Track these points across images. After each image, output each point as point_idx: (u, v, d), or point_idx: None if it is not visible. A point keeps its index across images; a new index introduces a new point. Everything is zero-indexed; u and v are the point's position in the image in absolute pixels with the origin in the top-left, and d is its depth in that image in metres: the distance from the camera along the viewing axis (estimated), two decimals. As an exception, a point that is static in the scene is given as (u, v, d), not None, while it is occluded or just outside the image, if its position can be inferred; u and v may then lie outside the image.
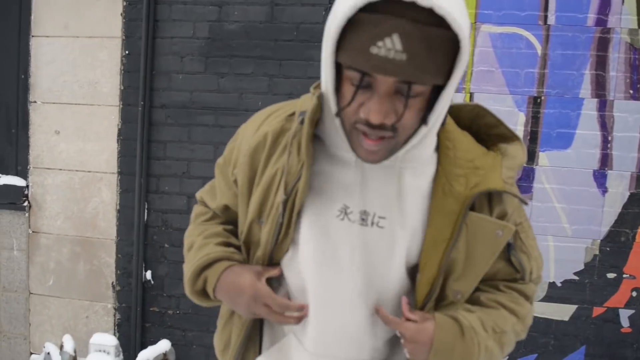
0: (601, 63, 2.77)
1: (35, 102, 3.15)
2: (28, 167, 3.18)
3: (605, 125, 2.79)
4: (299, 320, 0.95)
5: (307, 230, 0.93)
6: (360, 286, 0.94)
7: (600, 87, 2.78)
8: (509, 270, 1.00)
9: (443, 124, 0.90)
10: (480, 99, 2.83)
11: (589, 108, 2.79)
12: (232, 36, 2.97)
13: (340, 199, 0.92)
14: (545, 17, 2.78)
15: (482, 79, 2.83)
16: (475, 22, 2.81)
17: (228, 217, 1.11)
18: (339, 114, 0.83)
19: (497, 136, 0.97)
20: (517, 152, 0.94)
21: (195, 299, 1.07)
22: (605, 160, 2.79)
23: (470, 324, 0.92)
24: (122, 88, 3.07)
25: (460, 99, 2.84)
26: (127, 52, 3.05)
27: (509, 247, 0.95)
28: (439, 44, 0.73)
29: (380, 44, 0.71)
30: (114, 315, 3.16)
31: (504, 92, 2.83)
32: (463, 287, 0.96)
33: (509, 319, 0.98)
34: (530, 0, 2.78)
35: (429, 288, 0.93)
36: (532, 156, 2.83)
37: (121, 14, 3.03)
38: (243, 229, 1.02)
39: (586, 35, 2.76)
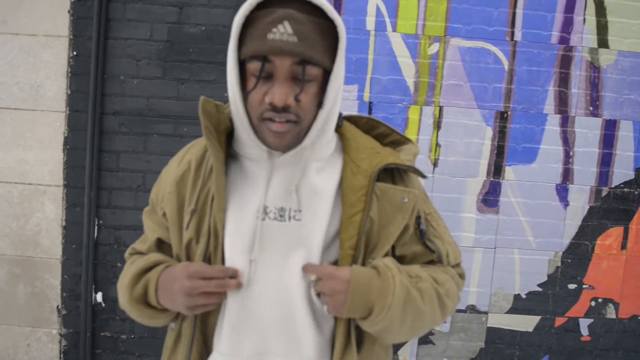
0: (564, 80, 2.76)
1: (-35, 105, 2.73)
2: (-43, 179, 2.75)
3: (567, 141, 2.78)
4: (239, 286, 0.93)
5: (231, 236, 0.94)
6: (293, 278, 0.94)
7: (562, 104, 2.77)
8: (426, 253, 1.03)
9: (339, 125, 1.00)
10: (449, 113, 2.75)
11: (552, 124, 2.77)
12: (194, 40, 2.70)
13: (257, 200, 0.95)
14: (512, 33, 2.73)
15: (452, 92, 2.75)
16: (444, 36, 2.72)
17: (161, 252, 1.08)
18: (245, 99, 0.89)
19: (392, 143, 1.07)
20: (410, 147, 1.05)
21: (132, 309, 1.03)
22: (567, 175, 2.79)
23: (384, 264, 0.94)
24: (69, 92, 2.72)
25: (430, 112, 2.75)
26: (74, 53, 2.70)
27: (421, 233, 1.01)
28: (322, 29, 0.86)
29: (274, 30, 0.82)
30: (60, 342, 2.80)
31: (472, 106, 2.76)
32: (380, 257, 0.98)
33: (426, 277, 0.99)
34: (499, 16, 2.72)
35: (350, 261, 0.94)
36: (498, 170, 2.78)
37: (68, 11, 2.67)
38: (180, 254, 1.01)
39: (550, 53, 2.74)
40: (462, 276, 1.11)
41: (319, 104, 0.91)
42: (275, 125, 0.87)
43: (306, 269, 0.93)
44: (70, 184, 2.74)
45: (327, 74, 0.90)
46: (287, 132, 0.88)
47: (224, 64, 2.66)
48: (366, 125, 1.07)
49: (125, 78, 2.72)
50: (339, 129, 1.02)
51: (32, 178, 2.74)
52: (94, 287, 2.77)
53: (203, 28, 2.69)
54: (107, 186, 2.76)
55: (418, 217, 1.01)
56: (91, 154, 2.70)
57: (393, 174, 1.01)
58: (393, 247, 1.00)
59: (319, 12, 0.86)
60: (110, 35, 2.69)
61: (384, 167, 0.96)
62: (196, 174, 0.99)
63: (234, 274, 0.92)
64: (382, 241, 0.97)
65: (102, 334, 2.80)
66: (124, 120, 2.74)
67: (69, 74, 2.71)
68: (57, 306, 2.78)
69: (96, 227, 2.76)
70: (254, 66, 0.86)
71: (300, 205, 0.94)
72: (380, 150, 1.01)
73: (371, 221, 0.94)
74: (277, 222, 0.94)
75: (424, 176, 1.01)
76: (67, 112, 2.72)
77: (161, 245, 1.08)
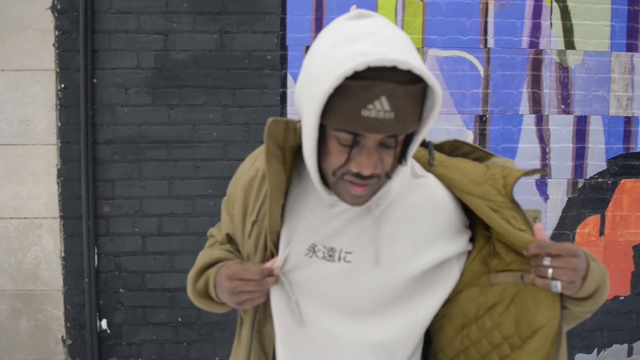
0: (536, 82, 2.80)
1: (-47, 144, 2.61)
2: (-50, 218, 2.63)
3: (543, 138, 2.83)
4: (276, 281, 0.90)
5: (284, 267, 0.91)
6: (341, 320, 0.91)
7: (536, 104, 2.81)
8: None
9: (431, 163, 0.94)
10: (432, 120, 2.76)
11: (528, 123, 2.81)
12: (181, 66, 2.64)
13: (309, 237, 0.90)
14: (485, 40, 2.76)
15: (432, 100, 2.76)
16: (422, 47, 2.73)
17: (233, 245, 1.09)
18: (335, 173, 0.81)
19: (476, 159, 0.97)
20: (499, 159, 0.96)
21: (196, 300, 1.02)
22: (545, 170, 2.84)
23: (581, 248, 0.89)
24: (59, 125, 2.63)
25: (414, 120, 2.75)
26: (62, 85, 2.61)
27: None
28: (416, 97, 0.76)
29: (370, 107, 0.73)
30: (67, 372, 2.70)
31: (453, 112, 2.78)
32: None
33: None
34: (472, 25, 2.75)
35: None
36: (482, 171, 2.80)
37: (53, 45, 2.58)
38: (244, 254, 1.00)
39: (522, 57, 2.78)
40: None
41: (400, 159, 0.84)
42: (357, 189, 0.80)
43: (531, 249, 0.84)
44: (66, 215, 2.65)
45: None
46: (367, 194, 0.82)
47: (212, 87, 2.61)
48: (450, 148, 1.00)
49: (115, 107, 2.64)
50: (430, 166, 0.94)
51: (27, 212, 2.63)
52: (97, 314, 2.68)
53: (189, 53, 2.64)
54: (104, 214, 2.67)
55: None
56: (86, 184, 2.61)
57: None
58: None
59: (415, 77, 0.74)
60: (98, 66, 2.61)
61: (515, 181, 0.89)
62: (261, 184, 0.96)
63: (270, 273, 0.89)
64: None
65: (109, 360, 2.72)
66: (117, 149, 2.66)
67: (58, 107, 2.61)
68: (62, 336, 2.68)
69: (96, 256, 2.67)
70: (343, 137, 0.77)
71: (351, 246, 0.89)
72: (488, 171, 0.91)
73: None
74: (325, 262, 0.89)
75: (544, 172, 0.99)
76: (59, 144, 2.63)
77: (231, 240, 1.08)
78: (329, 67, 0.73)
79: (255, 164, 1.00)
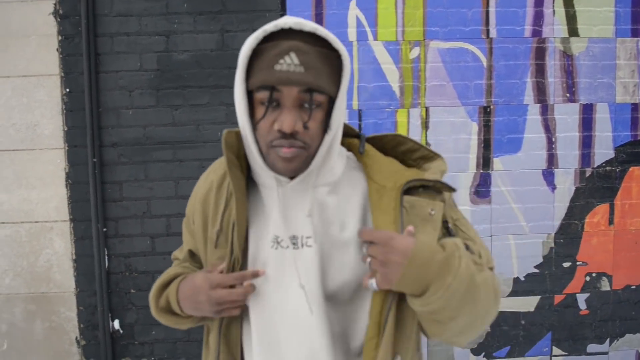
0: (540, 71, 2.71)
1: (-36, 151, 2.59)
2: (-37, 224, 2.62)
3: (548, 128, 2.74)
4: (253, 288, 0.91)
5: (252, 264, 0.92)
6: (310, 307, 0.89)
7: (541, 93, 2.72)
8: None
9: (361, 152, 0.95)
10: (435, 113, 2.69)
11: (533, 113, 2.73)
12: (183, 66, 2.60)
13: (270, 230, 0.91)
14: (487, 30, 2.68)
15: (435, 93, 2.68)
16: (424, 40, 2.65)
17: (194, 262, 1.09)
18: (254, 128, 0.86)
19: (420, 158, 0.97)
20: (438, 164, 0.95)
21: (160, 317, 1.03)
22: (552, 160, 2.75)
23: (453, 242, 0.83)
24: (65, 129, 2.60)
25: (417, 114, 2.68)
26: (67, 89, 2.58)
27: (451, 235, 0.91)
28: (327, 59, 0.83)
29: (281, 61, 0.80)
30: (82, 372, 2.69)
31: (457, 104, 2.70)
32: None
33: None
34: (473, 16, 2.66)
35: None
36: (487, 162, 2.72)
37: (57, 50, 2.55)
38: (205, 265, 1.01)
39: (525, 46, 2.69)
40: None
41: (325, 129, 0.87)
42: (284, 150, 0.83)
43: (362, 233, 0.84)
44: (76, 218, 2.62)
45: (331, 100, 0.87)
46: (296, 156, 0.84)
47: (215, 87, 2.57)
48: (392, 142, 0.99)
49: (120, 109, 2.61)
50: (359, 155, 0.96)
51: (37, 216, 2.61)
52: (110, 315, 2.66)
53: (191, 54, 2.59)
54: (113, 216, 2.64)
55: (445, 222, 0.91)
56: (94, 186, 2.58)
57: (420, 194, 0.91)
58: None
59: (323, 42, 0.84)
60: (101, 70, 2.58)
61: (409, 185, 0.88)
62: (218, 194, 0.97)
63: (254, 275, 0.90)
64: None
65: (122, 359, 2.69)
66: (123, 151, 2.62)
67: (64, 111, 2.59)
68: (76, 337, 2.67)
69: (106, 257, 2.64)
70: (262, 95, 0.83)
71: (313, 231, 0.89)
72: (404, 172, 0.93)
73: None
74: (291, 250, 0.90)
75: (452, 189, 0.93)
76: (66, 148, 2.60)
77: (193, 255, 1.08)
78: (246, 42, 0.84)
79: (209, 177, 1.02)
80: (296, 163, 0.85)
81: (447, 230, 0.91)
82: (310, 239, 0.89)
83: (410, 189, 0.89)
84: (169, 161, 2.63)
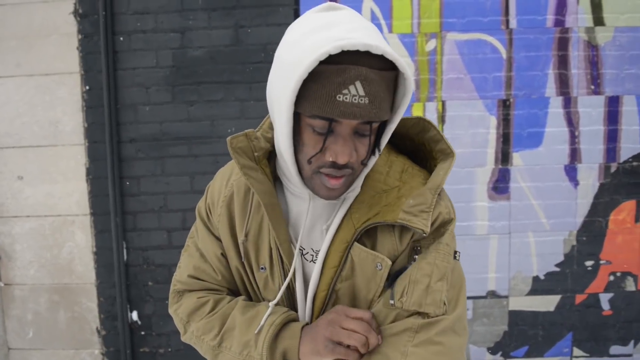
0: (563, 62, 2.49)
1: (-8, 147, 2.58)
2: (-8, 217, 2.61)
3: (571, 121, 2.52)
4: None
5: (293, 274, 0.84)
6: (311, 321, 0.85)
7: (563, 85, 2.50)
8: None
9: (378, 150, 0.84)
10: (452, 106, 2.51)
11: (555, 106, 2.51)
12: (198, 62, 2.50)
13: (298, 240, 0.84)
14: (507, 21, 2.47)
15: (452, 86, 2.50)
16: (440, 31, 2.48)
17: (225, 274, 0.94)
18: (310, 161, 0.75)
19: (439, 151, 0.86)
20: (437, 175, 0.82)
21: (200, 346, 0.89)
22: (575, 155, 2.53)
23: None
24: (86, 125, 2.55)
25: (433, 107, 2.51)
26: (87, 87, 2.52)
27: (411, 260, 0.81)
28: (389, 83, 0.71)
29: (345, 91, 0.68)
30: (103, 361, 2.65)
31: (475, 97, 2.51)
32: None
33: None
34: (492, 6, 2.46)
35: (319, 309, 0.83)
36: (506, 157, 2.53)
37: (77, 48, 2.50)
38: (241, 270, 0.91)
39: (547, 36, 2.48)
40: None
41: (372, 151, 0.77)
42: (333, 182, 0.75)
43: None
44: (96, 212, 2.58)
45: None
46: (342, 186, 0.76)
47: (229, 82, 2.44)
48: (416, 127, 0.87)
49: (138, 106, 2.54)
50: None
51: (60, 210, 2.58)
52: (128, 306, 2.61)
53: (206, 50, 2.49)
54: (131, 210, 2.58)
55: (417, 248, 0.80)
56: (113, 181, 2.53)
57: (385, 230, 0.81)
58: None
59: (386, 62, 0.70)
60: (119, 67, 2.51)
61: (371, 225, 0.79)
62: (244, 200, 0.88)
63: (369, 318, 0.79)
64: (358, 304, 0.83)
65: (141, 350, 2.64)
66: (141, 147, 2.56)
67: (84, 108, 2.53)
68: (97, 327, 2.63)
69: (125, 250, 2.59)
70: (317, 123, 0.71)
71: (321, 245, 0.83)
72: (387, 196, 0.81)
73: (341, 281, 0.81)
74: (312, 263, 0.84)
75: (424, 232, 0.77)
76: (86, 144, 2.55)
77: (223, 259, 0.94)
78: (302, 54, 0.68)
79: (230, 179, 0.91)
80: (341, 192, 0.77)
81: (413, 255, 0.80)
82: (322, 253, 0.82)
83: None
84: (184, 156, 2.55)
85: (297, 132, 0.74)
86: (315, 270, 0.82)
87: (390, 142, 0.89)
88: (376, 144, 0.78)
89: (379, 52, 0.67)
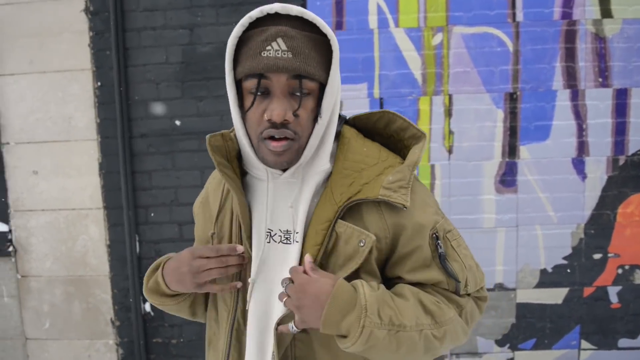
0: (570, 55, 2.45)
1: (8, 143, 2.60)
2: (9, 211, 2.63)
3: (579, 114, 2.48)
4: (242, 261, 0.84)
5: (255, 261, 0.85)
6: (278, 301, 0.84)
7: (571, 78, 2.46)
8: (441, 279, 0.82)
9: (338, 134, 0.86)
10: (459, 100, 2.47)
11: (563, 99, 2.47)
12: (207, 58, 2.50)
13: (263, 223, 0.85)
14: (514, 14, 2.43)
15: (459, 80, 2.47)
16: (446, 25, 2.44)
17: None
18: (243, 116, 0.79)
19: (410, 137, 0.87)
20: (413, 153, 0.83)
21: (149, 297, 0.96)
22: (582, 148, 2.48)
23: (364, 304, 0.74)
24: (98, 121, 2.56)
25: (440, 101, 2.48)
26: (99, 83, 2.53)
27: (440, 257, 0.80)
28: (315, 44, 0.75)
29: (268, 47, 0.73)
30: (117, 351, 2.67)
31: (481, 91, 2.48)
32: None
33: (420, 317, 0.77)
34: (498, -1, 2.43)
35: None
36: (513, 150, 2.49)
37: (88, 45, 2.51)
38: None
39: (554, 29, 2.43)
40: (482, 299, 0.89)
41: (315, 118, 0.79)
42: (274, 144, 0.77)
43: (290, 271, 0.80)
44: (109, 206, 2.59)
45: (322, 87, 0.79)
46: (286, 150, 0.78)
47: (237, 77, 2.45)
48: (382, 121, 0.89)
49: (148, 102, 2.54)
50: (337, 136, 0.87)
51: (74, 204, 2.60)
52: (141, 298, 2.62)
53: (214, 46, 2.49)
54: (143, 204, 2.59)
55: (437, 238, 0.81)
56: (125, 176, 2.54)
57: (368, 208, 0.82)
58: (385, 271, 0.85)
59: (311, 27, 0.76)
60: (130, 63, 2.51)
61: (353, 202, 0.79)
62: (214, 197, 0.94)
63: (232, 251, 0.83)
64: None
65: (154, 340, 2.66)
66: (152, 142, 2.56)
67: (97, 104, 2.54)
68: (111, 318, 2.65)
69: (137, 243, 2.60)
70: (250, 84, 0.76)
71: (294, 225, 0.82)
72: (366, 173, 0.81)
73: (326, 258, 0.80)
74: (283, 244, 0.83)
75: (404, 206, 0.78)
76: (99, 139, 2.56)
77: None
78: (234, 30, 0.77)
79: (207, 184, 1.00)
80: (287, 156, 0.78)
81: (436, 246, 0.81)
82: (299, 234, 0.82)
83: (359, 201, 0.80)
84: (195, 151, 2.55)
85: (242, 104, 0.79)
86: (295, 251, 0.81)
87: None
88: (317, 107, 0.79)
89: (296, 13, 0.74)
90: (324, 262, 0.80)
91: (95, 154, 2.57)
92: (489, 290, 2.53)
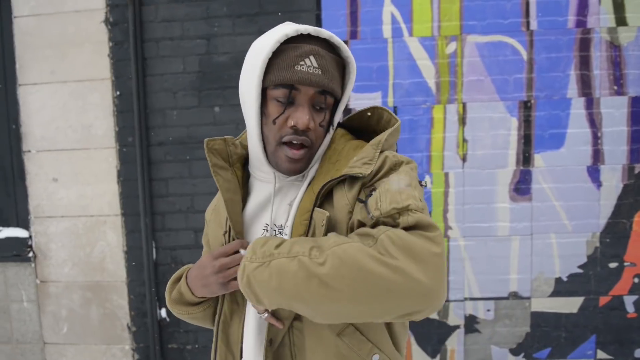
0: (585, 63, 2.43)
1: (29, 151, 2.64)
2: (29, 217, 2.68)
3: (594, 122, 2.46)
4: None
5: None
6: None
7: (585, 86, 2.44)
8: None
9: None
10: (473, 108, 2.47)
11: (577, 107, 2.45)
12: (223, 68, 2.53)
13: (263, 219, 0.90)
14: (528, 23, 2.43)
15: (473, 88, 2.47)
16: (460, 34, 2.44)
17: None
18: (274, 121, 0.83)
19: (391, 125, 0.91)
20: (382, 135, 0.85)
21: (174, 308, 0.99)
22: (597, 156, 2.46)
23: (251, 247, 0.80)
24: (117, 129, 2.60)
25: (454, 110, 2.48)
26: (118, 92, 2.57)
27: (363, 202, 0.78)
28: (337, 64, 0.84)
29: (302, 62, 0.80)
30: (133, 356, 2.69)
31: (495, 99, 2.47)
32: None
33: (298, 247, 0.75)
34: (512, 8, 2.42)
35: None
36: (527, 159, 2.48)
37: (108, 55, 2.55)
38: None
39: (568, 37, 2.42)
40: (420, 227, 0.71)
41: (327, 130, 0.88)
42: (293, 152, 0.83)
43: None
44: (127, 213, 2.62)
45: (335, 103, 0.88)
46: (302, 158, 0.85)
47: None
48: (373, 117, 0.93)
49: (166, 110, 2.57)
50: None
51: (92, 210, 2.63)
52: (157, 304, 2.64)
53: (230, 55, 2.51)
54: (160, 211, 2.62)
55: (360, 200, 0.79)
56: (142, 183, 2.57)
57: (340, 187, 0.85)
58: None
59: (334, 50, 0.85)
60: (148, 73, 2.55)
61: (328, 186, 0.82)
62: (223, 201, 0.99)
63: (239, 246, 0.88)
64: None
65: (169, 346, 2.67)
66: (169, 150, 2.59)
67: (115, 113, 2.58)
68: (127, 324, 2.67)
69: (154, 250, 2.63)
70: (279, 93, 0.82)
71: (287, 221, 0.87)
72: (340, 163, 0.85)
73: None
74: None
75: (360, 173, 0.78)
76: (117, 147, 2.60)
77: None
78: (265, 42, 0.82)
79: (218, 193, 1.03)
80: (301, 164, 0.85)
81: (362, 200, 0.78)
82: (287, 228, 0.86)
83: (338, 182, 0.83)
84: (210, 159, 2.57)
85: (264, 109, 0.84)
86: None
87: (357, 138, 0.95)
88: (331, 121, 0.88)
89: (326, 37, 0.82)
90: None
91: (113, 161, 2.60)
92: (502, 298, 2.51)
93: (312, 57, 0.80)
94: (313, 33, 0.82)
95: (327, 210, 0.80)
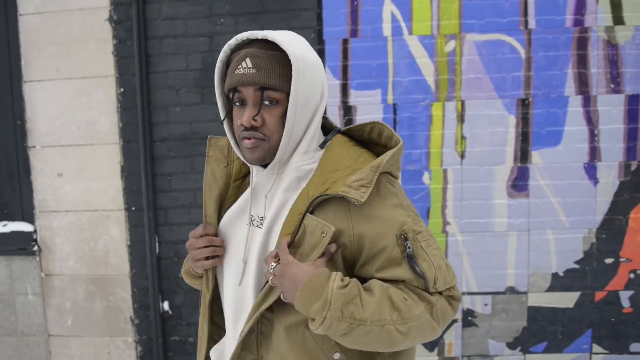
0: (582, 61, 2.44)
1: (34, 146, 2.66)
2: (34, 212, 2.70)
3: (590, 120, 2.47)
4: (220, 243, 0.98)
5: (229, 242, 0.99)
6: (240, 279, 0.96)
7: (583, 84, 2.45)
8: (410, 277, 0.85)
9: (320, 146, 0.94)
10: (471, 106, 2.48)
11: (574, 105, 2.46)
12: (225, 65, 2.54)
13: (248, 210, 0.97)
14: (526, 21, 2.44)
15: (471, 86, 2.48)
16: (459, 32, 2.45)
17: None
18: (222, 120, 0.95)
19: (394, 143, 0.94)
20: (383, 157, 0.88)
21: (186, 278, 1.11)
22: (594, 153, 2.47)
23: (330, 299, 0.80)
24: (120, 125, 2.61)
25: (452, 107, 2.49)
26: (122, 89, 2.59)
27: (409, 257, 0.84)
28: (279, 60, 0.87)
29: (239, 66, 0.87)
30: (136, 349, 2.71)
31: (493, 97, 2.48)
32: None
33: (384, 312, 0.81)
34: (510, 7, 2.43)
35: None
36: (525, 155, 2.49)
37: (112, 52, 2.57)
38: None
39: (566, 36, 2.43)
40: (455, 299, 0.90)
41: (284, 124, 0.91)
42: (246, 142, 0.89)
43: (274, 251, 0.90)
44: (130, 207, 2.64)
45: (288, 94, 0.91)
46: (256, 147, 0.89)
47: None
48: (374, 132, 0.96)
49: (169, 107, 2.59)
50: (325, 145, 0.95)
51: (96, 205, 2.65)
52: (160, 297, 2.66)
53: (232, 53, 2.53)
54: (162, 206, 2.64)
55: (405, 239, 0.85)
56: (146, 178, 2.58)
57: (332, 204, 0.89)
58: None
59: (278, 46, 0.88)
60: (151, 70, 2.57)
61: (321, 199, 0.86)
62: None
63: (207, 231, 0.98)
64: None
65: (171, 338, 2.69)
66: (172, 146, 2.61)
67: (119, 109, 2.60)
68: (130, 317, 2.69)
69: (157, 244, 2.64)
70: (234, 97, 0.90)
71: (265, 212, 0.94)
72: (338, 175, 0.89)
73: (294, 249, 0.87)
74: (258, 228, 0.95)
75: (358, 201, 0.82)
76: (121, 143, 2.62)
77: None
78: (220, 57, 0.93)
79: None
80: (258, 153, 0.90)
81: (405, 247, 0.85)
82: (265, 219, 0.93)
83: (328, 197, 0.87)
84: (212, 155, 2.58)
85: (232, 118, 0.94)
86: (261, 234, 0.93)
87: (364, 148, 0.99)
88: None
89: (260, 37, 0.88)
90: (292, 249, 0.88)
91: (117, 157, 2.62)
92: (500, 293, 2.53)
93: (247, 59, 0.86)
94: (250, 37, 0.88)
95: (318, 217, 0.86)
